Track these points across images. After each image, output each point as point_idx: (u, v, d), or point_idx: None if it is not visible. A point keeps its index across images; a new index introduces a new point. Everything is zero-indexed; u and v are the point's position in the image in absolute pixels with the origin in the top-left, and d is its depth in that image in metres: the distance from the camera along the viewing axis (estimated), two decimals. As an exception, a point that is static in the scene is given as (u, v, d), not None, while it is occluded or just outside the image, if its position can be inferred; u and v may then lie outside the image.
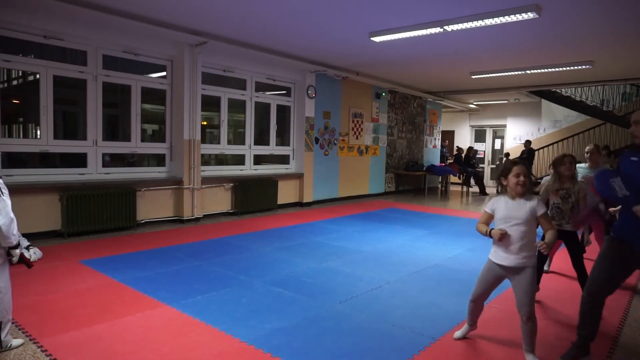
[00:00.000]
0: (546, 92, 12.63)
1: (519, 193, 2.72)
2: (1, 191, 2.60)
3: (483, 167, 15.78)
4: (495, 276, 2.85)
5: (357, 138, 11.04)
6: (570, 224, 3.68)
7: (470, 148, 14.35)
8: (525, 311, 2.70)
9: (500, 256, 2.77)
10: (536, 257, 2.76)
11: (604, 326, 3.39)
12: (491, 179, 15.84)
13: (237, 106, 8.55)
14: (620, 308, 3.77)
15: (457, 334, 3.12)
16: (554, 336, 3.19)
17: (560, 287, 4.37)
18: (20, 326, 3.07)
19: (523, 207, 2.70)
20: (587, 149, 4.94)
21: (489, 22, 5.60)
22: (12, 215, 2.62)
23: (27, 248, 4.78)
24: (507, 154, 13.76)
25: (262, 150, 9.06)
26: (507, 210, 2.73)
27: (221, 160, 8.55)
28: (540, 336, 2.89)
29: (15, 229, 2.64)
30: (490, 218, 2.84)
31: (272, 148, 9.28)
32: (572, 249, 3.77)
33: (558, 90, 12.49)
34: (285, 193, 9.15)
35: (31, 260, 4.57)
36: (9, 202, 2.64)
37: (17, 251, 2.70)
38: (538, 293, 4.02)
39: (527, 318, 2.70)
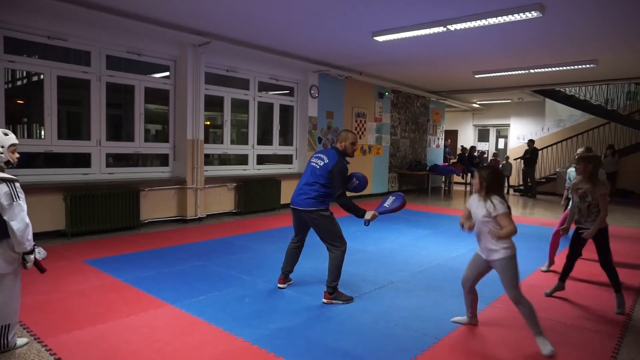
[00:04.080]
0: (550, 92, 12.57)
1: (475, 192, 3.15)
2: (18, 195, 2.56)
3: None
4: (479, 262, 3.15)
5: (360, 138, 11.02)
6: (588, 224, 3.76)
7: (472, 147, 14.31)
8: (509, 297, 3.00)
9: (479, 249, 3.16)
10: (509, 249, 2.98)
11: (608, 326, 3.38)
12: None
13: (240, 106, 8.56)
14: (625, 309, 3.74)
15: (456, 318, 3.39)
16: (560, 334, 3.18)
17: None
18: (25, 325, 3.09)
19: (482, 206, 3.02)
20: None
21: (492, 21, 5.58)
22: (27, 220, 2.56)
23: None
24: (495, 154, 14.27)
25: (265, 150, 9.06)
26: (474, 208, 3.11)
27: (224, 160, 8.56)
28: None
29: (30, 234, 2.58)
30: (469, 214, 3.20)
31: (275, 148, 9.29)
32: (598, 248, 3.80)
33: (562, 90, 12.43)
34: (289, 193, 9.08)
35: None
36: (25, 206, 2.58)
37: (32, 257, 2.65)
38: (562, 292, 4.04)
39: (514, 303, 2.99)
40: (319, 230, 3.82)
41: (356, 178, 4.02)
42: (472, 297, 3.27)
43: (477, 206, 3.07)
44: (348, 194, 3.80)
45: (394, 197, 3.84)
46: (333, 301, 3.69)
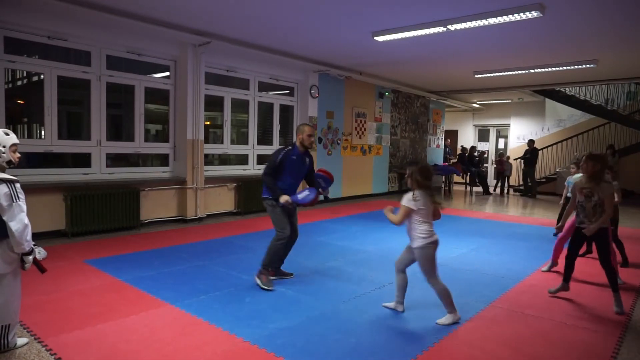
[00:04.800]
0: (550, 92, 12.57)
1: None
2: (17, 196, 2.55)
3: (487, 167, 15.72)
4: (410, 250, 3.45)
5: (360, 138, 11.04)
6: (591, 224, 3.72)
7: (472, 147, 14.30)
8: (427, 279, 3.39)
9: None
10: (425, 240, 3.28)
11: (608, 326, 3.38)
12: (494, 178, 15.78)
13: (240, 106, 8.56)
14: (625, 308, 3.74)
15: (385, 304, 3.65)
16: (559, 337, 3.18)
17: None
18: (25, 325, 3.09)
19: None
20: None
21: (492, 21, 5.58)
22: (26, 221, 2.55)
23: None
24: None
25: (266, 150, 9.06)
26: None
27: (224, 160, 8.57)
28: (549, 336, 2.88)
29: (29, 235, 2.57)
30: None
31: (276, 148, 9.26)
32: (599, 247, 3.79)
33: (562, 90, 12.43)
34: (289, 193, 9.14)
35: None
36: (24, 207, 2.57)
37: (30, 258, 2.64)
38: (566, 293, 4.04)
39: (430, 285, 3.37)
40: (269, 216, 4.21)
41: (319, 177, 4.38)
42: (402, 280, 3.53)
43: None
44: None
45: (307, 192, 4.11)
46: (256, 279, 4.04)
